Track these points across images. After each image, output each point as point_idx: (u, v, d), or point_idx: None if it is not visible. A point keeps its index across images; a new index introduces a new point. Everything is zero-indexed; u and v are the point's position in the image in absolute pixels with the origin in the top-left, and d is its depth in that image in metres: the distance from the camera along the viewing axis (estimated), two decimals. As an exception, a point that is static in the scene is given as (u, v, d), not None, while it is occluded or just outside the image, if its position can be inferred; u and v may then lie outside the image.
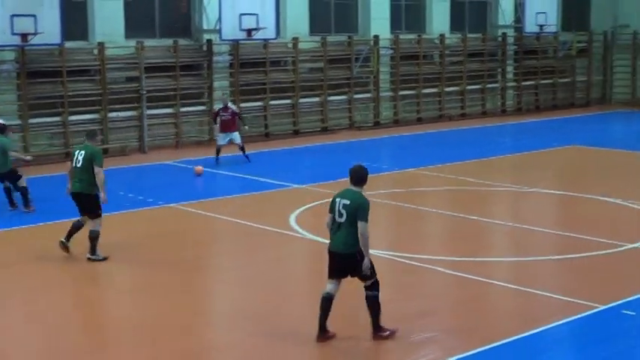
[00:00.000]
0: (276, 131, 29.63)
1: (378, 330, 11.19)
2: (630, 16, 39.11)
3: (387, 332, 11.24)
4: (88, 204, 14.94)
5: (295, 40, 29.96)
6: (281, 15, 29.67)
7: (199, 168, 22.91)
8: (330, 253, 11.18)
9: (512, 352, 10.92)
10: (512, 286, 13.38)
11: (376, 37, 32.01)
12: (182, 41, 28.01)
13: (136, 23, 27.35)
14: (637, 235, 16.31)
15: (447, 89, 34.54)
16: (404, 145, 28.74)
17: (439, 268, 14.32)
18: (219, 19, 27.38)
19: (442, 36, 34.11)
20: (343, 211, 11.03)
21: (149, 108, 26.92)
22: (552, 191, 20.95)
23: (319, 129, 30.90)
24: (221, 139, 24.11)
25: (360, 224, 10.88)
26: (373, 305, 11.16)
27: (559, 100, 38.68)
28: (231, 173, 23.18)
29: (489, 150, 26.82)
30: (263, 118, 29.55)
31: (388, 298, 13.17)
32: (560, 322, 11.79)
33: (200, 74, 28.45)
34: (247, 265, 14.87)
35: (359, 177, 11.21)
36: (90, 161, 14.80)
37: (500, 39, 36.38)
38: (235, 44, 28.49)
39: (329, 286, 11.15)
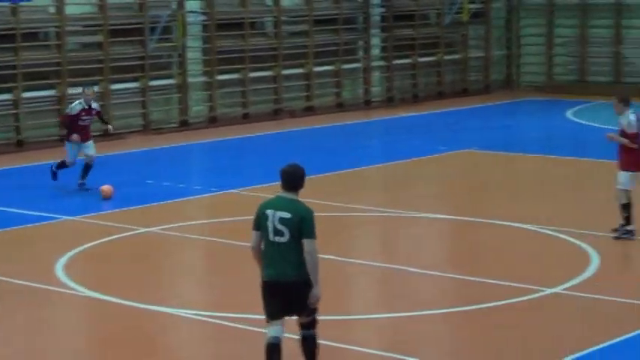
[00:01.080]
0: (31, 138, 29.06)
1: None
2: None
3: None
4: None
5: (59, 3, 29.68)
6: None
7: (107, 189, 22.55)
8: (272, 285, 11.72)
9: None
10: (389, 355, 13.42)
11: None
12: None
13: None
14: (557, 274, 16.72)
15: (286, 72, 34.76)
16: (224, 155, 28.68)
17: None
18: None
19: (276, -5, 34.45)
20: (283, 228, 11.63)
21: None
22: (440, 216, 21.32)
23: (99, 133, 30.50)
24: (72, 151, 23.19)
25: (307, 243, 11.55)
26: (313, 348, 11.90)
27: (447, 86, 39.52)
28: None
29: (349, 159, 26.99)
30: (13, 118, 29.00)
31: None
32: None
33: None
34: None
35: (294, 179, 11.82)
36: None
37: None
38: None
39: (274, 330, 11.75)
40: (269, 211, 11.72)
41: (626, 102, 18.92)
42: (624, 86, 38.01)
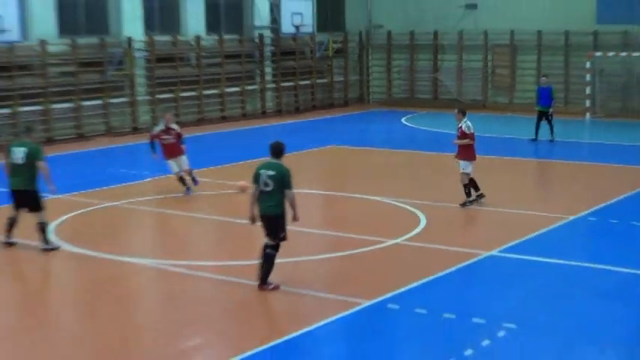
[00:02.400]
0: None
1: (264, 283, 13.40)
2: (384, 17, 40.79)
3: (272, 285, 13.42)
4: (32, 199, 15.53)
5: (43, 42, 29.27)
6: (26, 15, 28.80)
7: (243, 184, 20.27)
8: (262, 217, 13.50)
9: (286, 351, 11.33)
10: (282, 287, 13.60)
11: (129, 39, 31.75)
12: None
13: None
14: (397, 231, 17.07)
15: (206, 92, 34.75)
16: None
17: (206, 274, 14.47)
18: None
19: (198, 37, 34.23)
20: (269, 181, 13.27)
21: None
22: (314, 191, 21.50)
23: (74, 135, 30.34)
24: (171, 167, 20.98)
25: (287, 192, 13.29)
26: (269, 261, 13.41)
27: (318, 101, 39.71)
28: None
29: (250, 152, 27.04)
30: (11, 127, 28.66)
31: (158, 307, 13.35)
32: (328, 320, 12.23)
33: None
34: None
35: (278, 150, 13.60)
36: (31, 157, 15.38)
37: (257, 40, 36.92)
38: (-22, 48, 27.56)
39: (265, 239, 13.50)
40: (262, 171, 13.36)
41: (464, 112, 19.34)
42: (440, 101, 38.68)
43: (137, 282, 14.62)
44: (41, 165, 15.57)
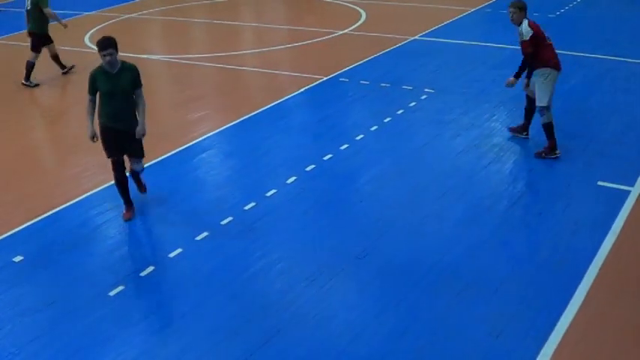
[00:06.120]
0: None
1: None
2: None
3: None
4: (34, 40, 12.97)
5: None
6: None
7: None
8: None
9: (266, 117, 11.05)
10: (261, 70, 13.29)
11: None
12: None
13: None
14: (344, 24, 16.56)
15: None
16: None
17: (204, 63, 13.95)
18: None
19: None
20: None
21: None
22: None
23: None
24: None
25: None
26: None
27: None
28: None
29: None
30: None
31: (169, 89, 12.93)
32: (297, 92, 11.95)
33: None
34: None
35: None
36: (36, 4, 12.81)
37: None
38: None
39: None
40: None
41: None
42: None
43: (151, 71, 14.07)
44: (45, 11, 12.80)
